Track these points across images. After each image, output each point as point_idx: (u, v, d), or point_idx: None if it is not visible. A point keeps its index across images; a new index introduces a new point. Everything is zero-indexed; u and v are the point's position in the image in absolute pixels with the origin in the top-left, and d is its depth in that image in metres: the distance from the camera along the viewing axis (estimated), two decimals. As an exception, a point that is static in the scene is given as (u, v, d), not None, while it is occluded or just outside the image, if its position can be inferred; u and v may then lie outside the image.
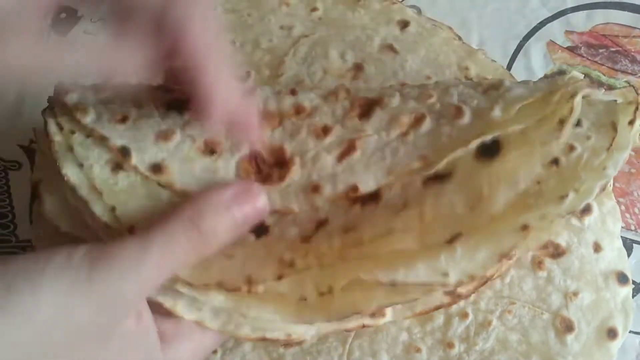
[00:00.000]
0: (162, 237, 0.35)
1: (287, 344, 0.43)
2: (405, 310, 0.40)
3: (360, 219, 0.38)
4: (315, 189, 0.39)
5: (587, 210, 0.46)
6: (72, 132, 0.41)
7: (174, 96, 0.45)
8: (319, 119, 0.43)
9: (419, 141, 0.40)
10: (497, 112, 0.39)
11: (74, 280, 0.32)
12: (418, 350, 0.42)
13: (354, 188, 0.39)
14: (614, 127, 0.39)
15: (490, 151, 0.38)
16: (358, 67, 0.54)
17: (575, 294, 0.43)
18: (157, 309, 0.38)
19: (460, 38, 0.54)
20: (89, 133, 0.41)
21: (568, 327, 0.42)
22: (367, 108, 0.42)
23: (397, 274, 0.35)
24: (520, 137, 0.38)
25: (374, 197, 0.39)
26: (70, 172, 0.40)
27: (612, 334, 0.42)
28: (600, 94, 0.41)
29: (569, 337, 0.41)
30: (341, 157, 0.40)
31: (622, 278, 0.43)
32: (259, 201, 0.39)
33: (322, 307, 0.37)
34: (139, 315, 0.36)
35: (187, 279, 0.37)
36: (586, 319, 0.42)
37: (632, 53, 0.55)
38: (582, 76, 0.42)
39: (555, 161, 0.37)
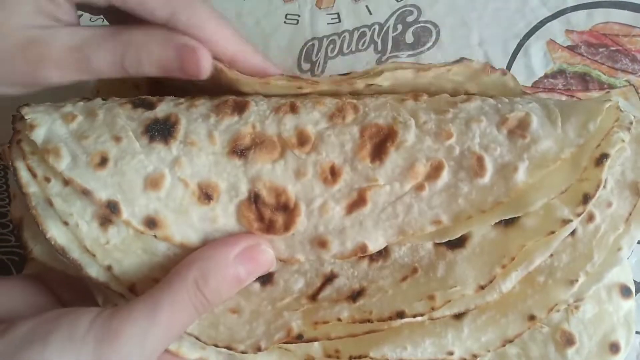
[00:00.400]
0: (168, 310, 0.35)
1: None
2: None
3: (368, 280, 0.38)
4: (323, 244, 0.38)
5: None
6: (47, 180, 0.37)
7: (155, 116, 0.40)
8: (326, 155, 0.39)
9: (434, 199, 0.38)
10: (521, 175, 0.37)
11: None
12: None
13: (363, 247, 0.38)
14: (637, 191, 0.38)
15: (508, 219, 0.37)
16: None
17: (577, 306, 0.41)
18: None
19: (462, 59, 0.42)
20: (67, 181, 0.37)
21: (569, 340, 0.41)
22: (380, 145, 0.39)
23: (405, 352, 0.37)
24: (541, 207, 0.36)
25: (382, 253, 0.39)
26: (56, 233, 0.37)
27: (614, 348, 0.41)
28: (629, 137, 0.39)
29: (570, 351, 0.41)
30: (350, 209, 0.38)
31: (626, 291, 0.42)
32: (266, 258, 0.38)
33: (328, 363, 0.39)
34: None
35: (195, 334, 0.38)
36: (588, 332, 0.41)
37: (633, 52, 0.54)
38: (619, 102, 0.39)
39: (572, 231, 0.37)
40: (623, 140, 0.37)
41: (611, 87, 0.53)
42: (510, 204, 0.36)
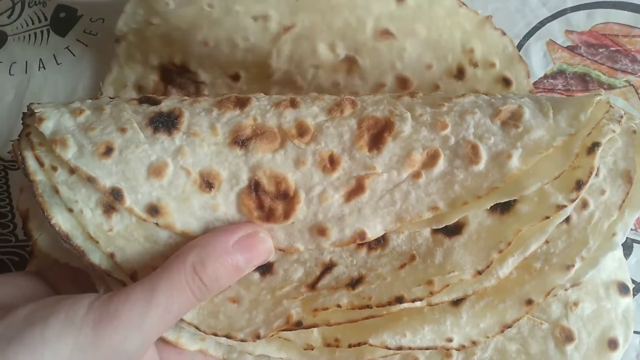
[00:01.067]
0: (165, 292, 0.37)
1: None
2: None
3: (367, 268, 0.40)
4: (322, 232, 0.41)
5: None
6: (54, 168, 0.40)
7: (160, 110, 0.42)
8: (325, 144, 0.42)
9: (430, 186, 0.40)
10: (515, 162, 0.39)
11: (78, 344, 0.34)
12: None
13: (362, 234, 0.40)
14: (629, 179, 0.40)
15: (503, 204, 0.39)
16: (351, 61, 0.51)
17: (576, 303, 0.44)
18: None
19: (465, 4, 0.53)
20: (73, 169, 0.40)
21: (568, 337, 0.44)
22: (377, 135, 0.41)
23: (404, 339, 0.38)
24: (536, 192, 0.39)
25: (380, 241, 0.41)
26: (60, 220, 0.39)
27: (613, 344, 0.43)
28: (620, 128, 0.41)
29: (569, 348, 0.43)
30: (349, 196, 0.41)
31: (623, 288, 0.45)
32: (264, 247, 0.40)
33: (327, 351, 0.41)
34: None
35: (195, 323, 0.40)
36: (587, 329, 0.43)
37: (632, 52, 0.56)
38: (607, 99, 0.41)
39: (567, 219, 0.39)
40: (614, 131, 0.40)
41: (611, 87, 0.55)
42: (505, 188, 0.38)
